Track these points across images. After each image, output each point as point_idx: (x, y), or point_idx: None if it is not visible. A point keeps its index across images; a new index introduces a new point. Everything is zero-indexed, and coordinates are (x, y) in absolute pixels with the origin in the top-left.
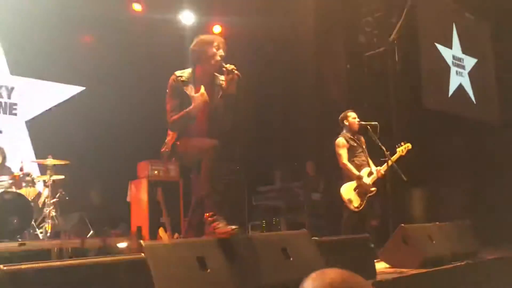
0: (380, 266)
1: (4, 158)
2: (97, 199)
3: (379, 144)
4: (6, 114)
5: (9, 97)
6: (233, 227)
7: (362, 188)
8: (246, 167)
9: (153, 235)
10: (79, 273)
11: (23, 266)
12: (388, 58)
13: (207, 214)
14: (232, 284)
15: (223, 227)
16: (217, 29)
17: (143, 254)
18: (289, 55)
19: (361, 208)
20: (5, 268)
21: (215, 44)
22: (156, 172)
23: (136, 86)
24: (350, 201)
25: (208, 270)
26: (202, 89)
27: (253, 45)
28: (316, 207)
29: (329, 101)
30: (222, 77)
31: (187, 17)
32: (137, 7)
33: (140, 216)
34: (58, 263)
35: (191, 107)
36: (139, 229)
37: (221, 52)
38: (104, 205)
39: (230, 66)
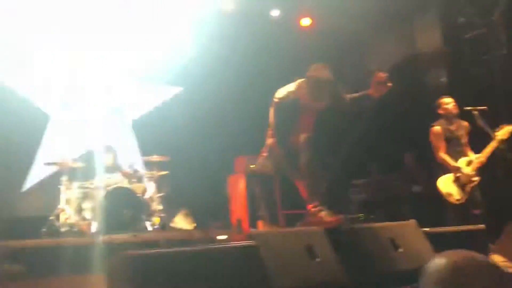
0: (495, 259)
1: (115, 157)
2: (198, 194)
3: (487, 130)
4: (114, 116)
5: (116, 100)
6: (339, 216)
7: (462, 179)
8: (342, 160)
9: (253, 227)
10: (195, 259)
11: (144, 252)
12: (491, 39)
13: (311, 205)
14: (342, 274)
15: (329, 216)
16: (305, 21)
17: (253, 242)
18: (384, 41)
19: (463, 200)
20: (128, 253)
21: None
22: (253, 166)
23: (231, 85)
24: (449, 194)
25: (318, 259)
26: None
27: (346, 34)
28: (417, 199)
29: (428, 87)
30: None
31: (274, 10)
32: (226, 4)
33: (239, 210)
34: (176, 249)
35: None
36: (239, 222)
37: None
38: (205, 199)
39: (381, 75)
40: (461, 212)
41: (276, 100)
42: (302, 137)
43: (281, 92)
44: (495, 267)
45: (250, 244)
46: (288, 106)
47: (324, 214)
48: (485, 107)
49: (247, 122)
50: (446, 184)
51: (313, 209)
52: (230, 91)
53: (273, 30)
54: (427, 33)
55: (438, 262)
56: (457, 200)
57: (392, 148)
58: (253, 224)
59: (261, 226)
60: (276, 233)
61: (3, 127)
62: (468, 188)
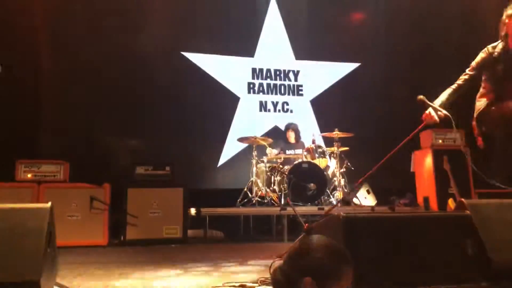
0: None
1: (298, 134)
2: (381, 169)
3: None
4: (294, 95)
5: (295, 80)
6: None
7: None
8: None
9: (441, 205)
10: (404, 223)
11: (360, 214)
12: None
13: None
14: None
15: None
16: None
17: (467, 212)
18: None
19: None
20: (344, 214)
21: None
22: (440, 141)
23: (408, 56)
24: None
25: None
26: None
27: None
28: None
29: None
30: None
31: None
32: None
33: (426, 186)
34: (388, 214)
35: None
36: (426, 199)
37: None
38: (388, 175)
39: None
40: None
41: (486, 50)
42: None
43: (493, 45)
44: None
45: (464, 214)
46: (497, 58)
47: None
48: None
49: (433, 94)
50: None
51: None
52: (408, 64)
53: None
54: None
55: None
56: None
57: None
58: (441, 202)
59: (451, 205)
60: (490, 203)
61: (200, 110)
62: None
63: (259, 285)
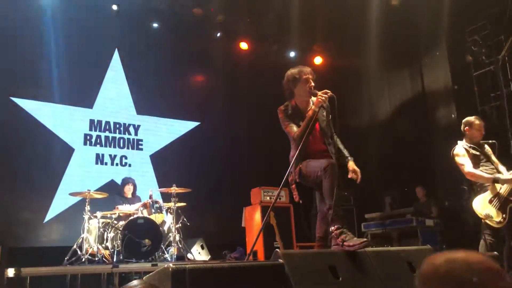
0: None
1: (135, 188)
2: (214, 225)
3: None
4: (134, 149)
5: (136, 134)
6: (363, 240)
7: (500, 197)
8: (354, 193)
9: (268, 258)
10: (227, 272)
11: (187, 265)
12: (499, 76)
13: (333, 227)
14: None
15: (351, 239)
16: (318, 60)
17: (281, 260)
18: (396, 79)
19: (505, 221)
20: (173, 266)
21: (305, 71)
22: (268, 198)
23: (245, 118)
24: (488, 216)
25: (340, 279)
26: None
27: (351, 75)
28: (430, 233)
29: (438, 125)
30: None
31: (290, 51)
32: (243, 45)
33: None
34: (213, 264)
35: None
36: (255, 252)
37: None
38: (221, 231)
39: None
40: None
41: (280, 108)
42: (324, 163)
43: (284, 106)
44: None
45: (278, 262)
46: (291, 115)
47: (346, 237)
48: (494, 141)
49: (261, 155)
50: (483, 205)
51: (335, 232)
52: (244, 126)
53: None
54: (436, 71)
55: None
56: (499, 222)
57: (405, 182)
58: (268, 255)
59: None
60: (301, 253)
61: (28, 160)
62: (509, 207)
63: None
